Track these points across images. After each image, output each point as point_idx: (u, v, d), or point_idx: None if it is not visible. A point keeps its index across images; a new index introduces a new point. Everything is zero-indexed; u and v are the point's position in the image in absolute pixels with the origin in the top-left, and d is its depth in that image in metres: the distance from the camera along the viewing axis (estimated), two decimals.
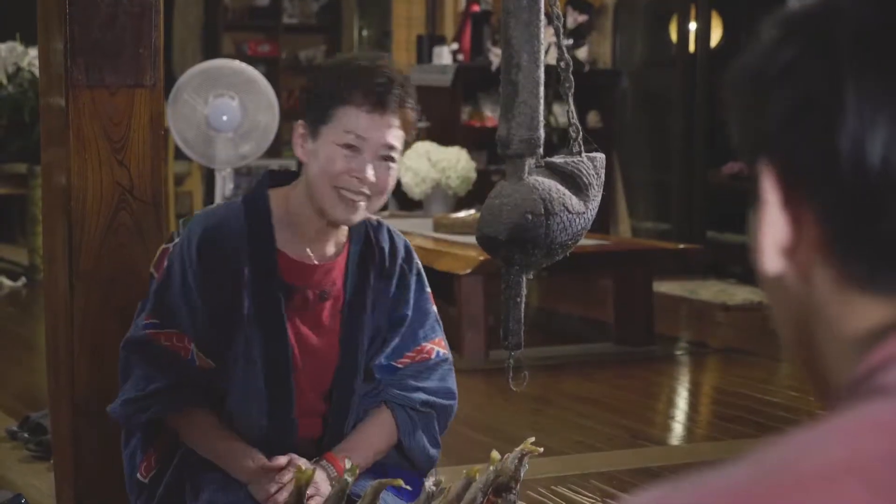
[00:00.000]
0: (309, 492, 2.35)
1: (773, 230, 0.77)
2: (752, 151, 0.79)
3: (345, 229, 2.51)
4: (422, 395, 2.55)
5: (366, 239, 2.54)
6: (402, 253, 2.57)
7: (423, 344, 2.57)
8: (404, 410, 2.54)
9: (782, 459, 0.67)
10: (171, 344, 2.43)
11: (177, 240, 2.50)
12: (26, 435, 4.05)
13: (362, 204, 2.41)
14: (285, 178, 2.53)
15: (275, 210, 2.48)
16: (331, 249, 2.51)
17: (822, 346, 0.78)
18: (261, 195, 2.49)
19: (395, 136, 2.42)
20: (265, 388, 2.45)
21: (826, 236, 0.75)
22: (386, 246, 2.55)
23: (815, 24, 0.76)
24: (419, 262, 2.60)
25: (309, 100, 2.46)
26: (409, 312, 2.56)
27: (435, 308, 2.62)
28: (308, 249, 2.49)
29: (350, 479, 2.28)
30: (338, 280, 2.51)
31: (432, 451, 2.58)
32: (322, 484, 2.41)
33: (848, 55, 0.73)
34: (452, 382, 2.61)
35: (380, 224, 2.58)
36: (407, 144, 2.47)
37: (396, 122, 2.42)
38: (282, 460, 2.40)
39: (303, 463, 2.42)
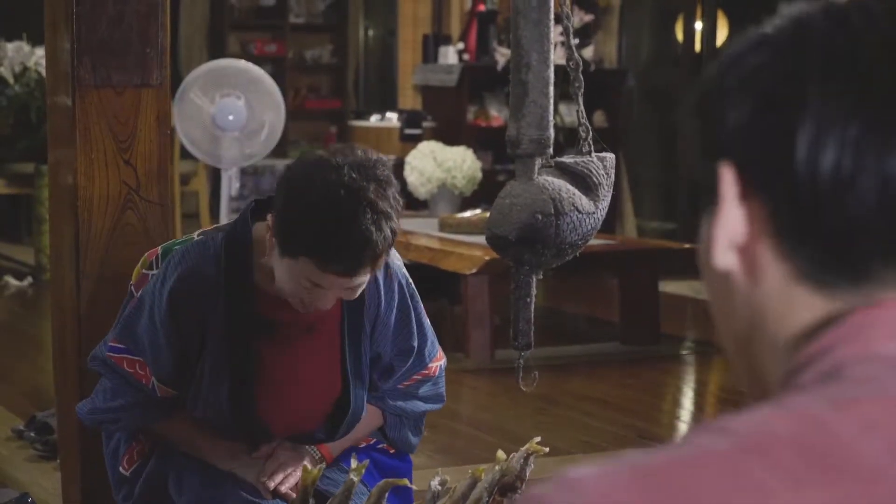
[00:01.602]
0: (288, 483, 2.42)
1: (727, 225, 0.82)
2: (713, 153, 0.83)
3: None
4: (419, 406, 2.61)
5: None
6: (398, 276, 2.50)
7: (430, 365, 2.60)
8: (398, 417, 2.61)
9: (696, 441, 0.73)
10: (135, 371, 2.45)
11: (155, 271, 2.45)
12: (33, 434, 4.05)
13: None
14: (270, 205, 2.36)
15: (256, 246, 2.39)
16: None
17: (760, 345, 0.84)
18: (243, 230, 2.40)
19: (363, 279, 2.29)
20: (233, 426, 2.47)
21: (777, 232, 0.81)
22: (381, 275, 2.46)
23: (787, 36, 0.82)
24: (411, 281, 2.56)
25: (277, 213, 2.27)
26: (415, 344, 2.54)
27: (426, 316, 2.58)
28: None
29: (356, 479, 2.28)
30: (329, 313, 2.42)
31: (414, 440, 2.66)
32: (306, 463, 2.46)
33: (813, 66, 0.80)
34: (443, 386, 2.66)
35: None
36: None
37: (366, 273, 2.28)
38: (266, 449, 2.47)
39: (306, 461, 2.45)
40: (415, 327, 2.53)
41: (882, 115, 0.79)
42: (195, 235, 2.47)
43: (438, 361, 2.61)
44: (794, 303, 0.81)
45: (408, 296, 2.52)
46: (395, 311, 2.50)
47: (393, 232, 2.23)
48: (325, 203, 2.20)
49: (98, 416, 2.50)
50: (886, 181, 0.78)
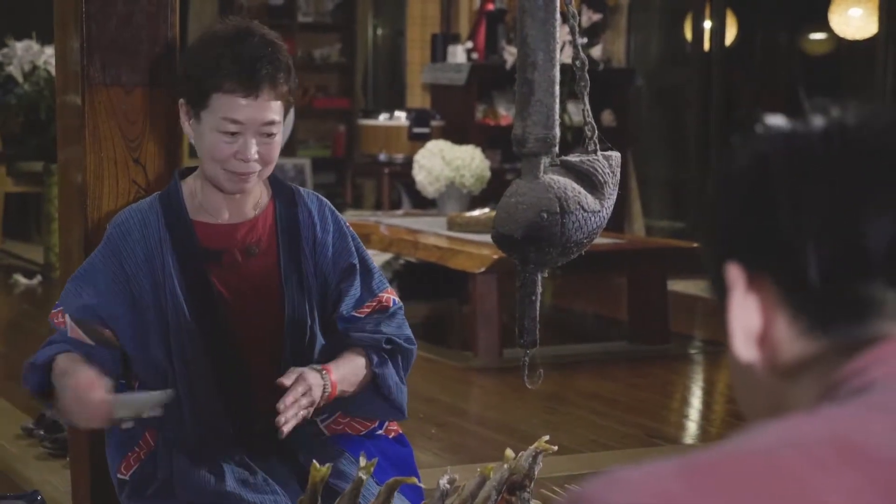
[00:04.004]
0: (301, 389, 2.40)
1: (741, 317, 0.91)
2: (719, 254, 0.94)
3: (259, 190, 2.60)
4: (384, 337, 2.62)
5: (291, 197, 2.63)
6: (329, 210, 2.66)
7: (380, 294, 2.65)
8: (371, 349, 2.60)
9: (734, 442, 0.80)
10: (57, 320, 2.59)
11: None
12: (42, 432, 4.06)
13: (252, 176, 2.51)
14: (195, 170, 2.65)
15: (186, 190, 2.59)
16: (248, 210, 2.59)
17: (788, 404, 0.92)
18: (173, 183, 2.62)
19: (273, 111, 2.48)
20: (202, 344, 2.53)
21: (786, 300, 0.91)
22: (313, 207, 2.63)
23: (759, 153, 0.94)
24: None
25: (183, 81, 2.55)
26: (356, 262, 2.62)
27: (369, 256, 2.71)
28: (222, 214, 2.58)
29: (365, 477, 2.28)
30: (265, 236, 2.59)
31: (402, 385, 2.64)
32: (315, 388, 2.44)
33: (782, 171, 0.91)
34: (409, 329, 2.68)
35: (307, 192, 2.68)
36: (289, 104, 2.53)
37: (271, 98, 2.47)
38: (291, 377, 2.44)
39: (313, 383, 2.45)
40: (353, 248, 2.63)
41: (847, 189, 0.89)
42: None
43: (391, 295, 2.67)
44: (809, 348, 0.90)
45: (343, 225, 2.65)
46: (331, 233, 2.62)
47: (288, 69, 2.49)
48: (216, 37, 2.52)
49: (27, 367, 2.60)
50: (866, 239, 0.88)
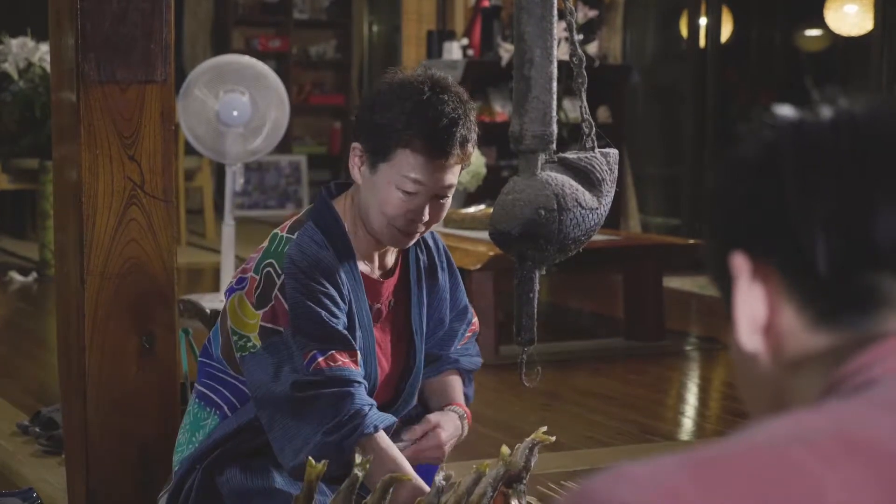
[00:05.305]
0: (441, 437, 2.55)
1: (746, 307, 0.91)
2: (724, 243, 0.93)
3: None
4: (478, 361, 2.77)
5: (417, 241, 2.57)
6: (443, 246, 2.68)
7: (474, 320, 2.77)
8: (466, 372, 2.74)
9: (740, 437, 0.81)
10: (336, 363, 2.38)
11: (280, 281, 2.41)
12: (38, 430, 4.05)
13: (417, 236, 2.46)
14: (337, 189, 2.54)
15: (346, 228, 2.48)
16: (390, 261, 2.58)
17: (789, 397, 0.92)
18: (332, 217, 2.47)
19: (455, 175, 2.41)
20: None
21: (791, 289, 0.90)
22: (430, 242, 2.65)
23: (767, 142, 0.94)
24: None
25: (366, 127, 2.39)
26: (467, 302, 2.73)
27: None
28: (374, 263, 2.55)
29: (360, 474, 2.28)
30: (402, 287, 2.59)
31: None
32: (448, 424, 2.58)
33: (791, 160, 0.91)
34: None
35: None
36: (466, 166, 2.46)
37: (457, 162, 2.39)
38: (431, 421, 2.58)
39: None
40: (463, 287, 2.71)
41: (856, 179, 0.89)
42: (282, 234, 2.46)
43: (475, 316, 2.79)
44: (816, 342, 0.90)
45: (452, 260, 2.70)
46: (447, 272, 2.67)
47: (476, 130, 2.40)
48: (410, 88, 2.37)
49: (331, 436, 2.35)
50: (875, 230, 0.88)
